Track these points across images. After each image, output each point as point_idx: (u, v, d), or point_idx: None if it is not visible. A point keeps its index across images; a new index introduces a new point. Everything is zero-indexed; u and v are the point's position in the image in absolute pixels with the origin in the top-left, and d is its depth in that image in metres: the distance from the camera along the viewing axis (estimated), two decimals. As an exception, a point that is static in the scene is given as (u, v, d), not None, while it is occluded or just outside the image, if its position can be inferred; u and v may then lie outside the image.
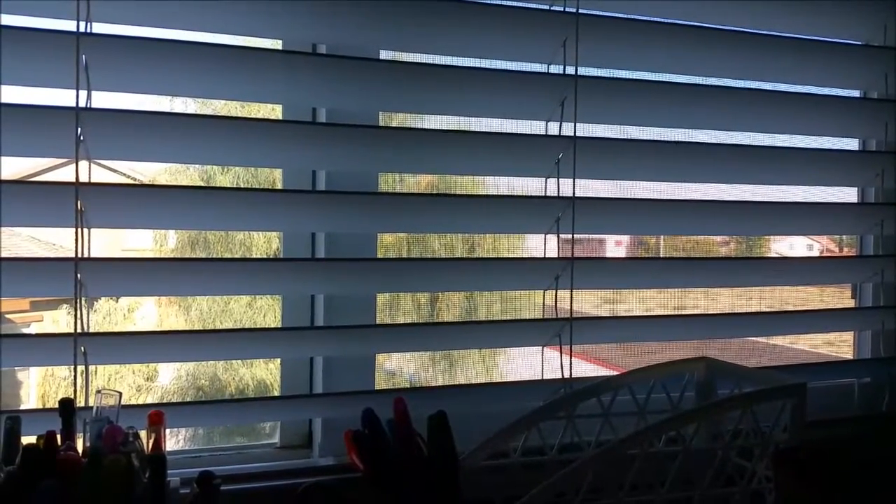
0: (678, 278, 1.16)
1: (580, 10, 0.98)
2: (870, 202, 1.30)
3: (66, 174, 0.81)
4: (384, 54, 1.00)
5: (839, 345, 1.43)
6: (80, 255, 0.81)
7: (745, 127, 1.16)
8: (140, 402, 1.03)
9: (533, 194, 1.04)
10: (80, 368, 0.82)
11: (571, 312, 1.01)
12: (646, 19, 1.03)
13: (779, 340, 1.42)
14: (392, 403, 0.83)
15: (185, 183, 1.01)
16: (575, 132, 0.99)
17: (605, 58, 1.05)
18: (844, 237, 1.48)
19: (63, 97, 0.81)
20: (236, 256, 1.06)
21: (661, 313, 1.24)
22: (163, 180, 1.02)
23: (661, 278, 1.14)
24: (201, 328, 1.03)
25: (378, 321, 1.03)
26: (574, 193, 1.00)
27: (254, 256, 1.06)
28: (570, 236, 1.01)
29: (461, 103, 1.00)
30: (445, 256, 1.15)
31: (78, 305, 0.81)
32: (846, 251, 1.49)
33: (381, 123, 1.01)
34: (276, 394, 1.03)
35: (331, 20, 0.92)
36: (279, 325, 1.02)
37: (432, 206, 0.98)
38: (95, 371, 0.96)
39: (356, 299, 1.00)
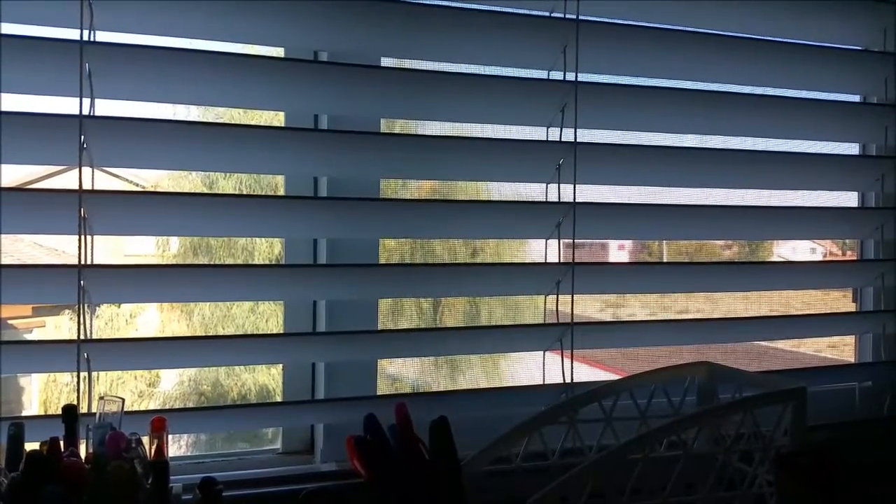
0: (680, 282, 1.16)
1: (580, 17, 0.99)
2: (870, 206, 1.30)
3: (69, 181, 0.82)
4: (386, 61, 1.00)
5: (842, 348, 1.43)
6: (83, 262, 0.81)
7: (745, 132, 1.16)
8: (142, 407, 1.03)
9: (534, 199, 1.04)
10: (83, 374, 0.82)
11: (572, 317, 1.01)
12: (645, 25, 1.03)
13: (781, 344, 1.41)
14: (394, 409, 0.83)
15: (187, 189, 1.01)
16: (575, 138, 1.00)
17: (605, 64, 1.05)
18: (847, 241, 1.47)
19: (67, 105, 0.81)
20: (239, 262, 1.06)
21: (663, 317, 1.24)
22: (165, 186, 1.02)
23: (662, 282, 1.15)
24: (204, 334, 1.04)
25: (380, 326, 1.03)
26: (575, 198, 1.00)
27: (256, 262, 1.06)
28: (571, 241, 1.02)
29: (462, 110, 1.00)
30: (448, 262, 1.16)
31: (81, 312, 0.82)
32: (849, 255, 1.48)
33: (383, 130, 1.02)
34: (279, 399, 1.03)
35: (332, 28, 0.92)
36: (281, 331, 1.02)
37: (434, 212, 0.99)
38: (98, 377, 0.97)
39: (358, 305, 1.00)
